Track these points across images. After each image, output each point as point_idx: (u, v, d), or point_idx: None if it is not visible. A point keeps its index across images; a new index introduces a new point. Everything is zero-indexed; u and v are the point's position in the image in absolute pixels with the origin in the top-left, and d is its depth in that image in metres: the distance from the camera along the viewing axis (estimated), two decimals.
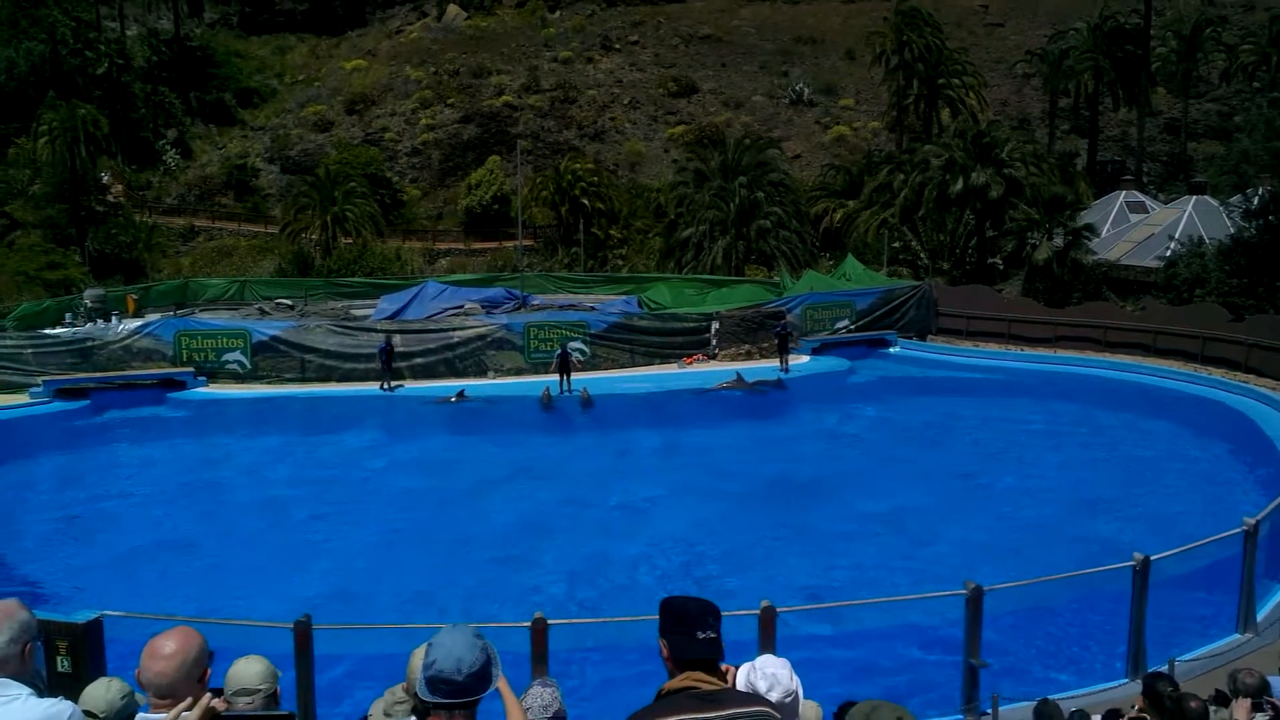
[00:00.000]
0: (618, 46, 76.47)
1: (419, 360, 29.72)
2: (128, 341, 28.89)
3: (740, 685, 3.75)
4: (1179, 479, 20.81)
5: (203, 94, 70.62)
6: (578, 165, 53.44)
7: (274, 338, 29.51)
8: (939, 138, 49.05)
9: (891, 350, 33.34)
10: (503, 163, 60.18)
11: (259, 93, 74.38)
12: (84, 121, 52.51)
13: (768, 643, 8.62)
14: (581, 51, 75.44)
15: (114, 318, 31.90)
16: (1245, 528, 11.23)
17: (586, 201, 50.91)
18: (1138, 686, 7.50)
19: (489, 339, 30.40)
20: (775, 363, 30.13)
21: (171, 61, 70.89)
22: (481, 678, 3.25)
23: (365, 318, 33.11)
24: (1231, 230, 34.11)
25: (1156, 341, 29.97)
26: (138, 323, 30.47)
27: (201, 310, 35.88)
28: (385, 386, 28.31)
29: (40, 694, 3.48)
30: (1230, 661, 9.55)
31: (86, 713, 3.56)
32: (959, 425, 25.77)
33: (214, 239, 59.42)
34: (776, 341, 29.97)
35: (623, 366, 30.75)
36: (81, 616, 8.48)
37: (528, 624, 8.66)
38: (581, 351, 30.30)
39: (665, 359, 31.22)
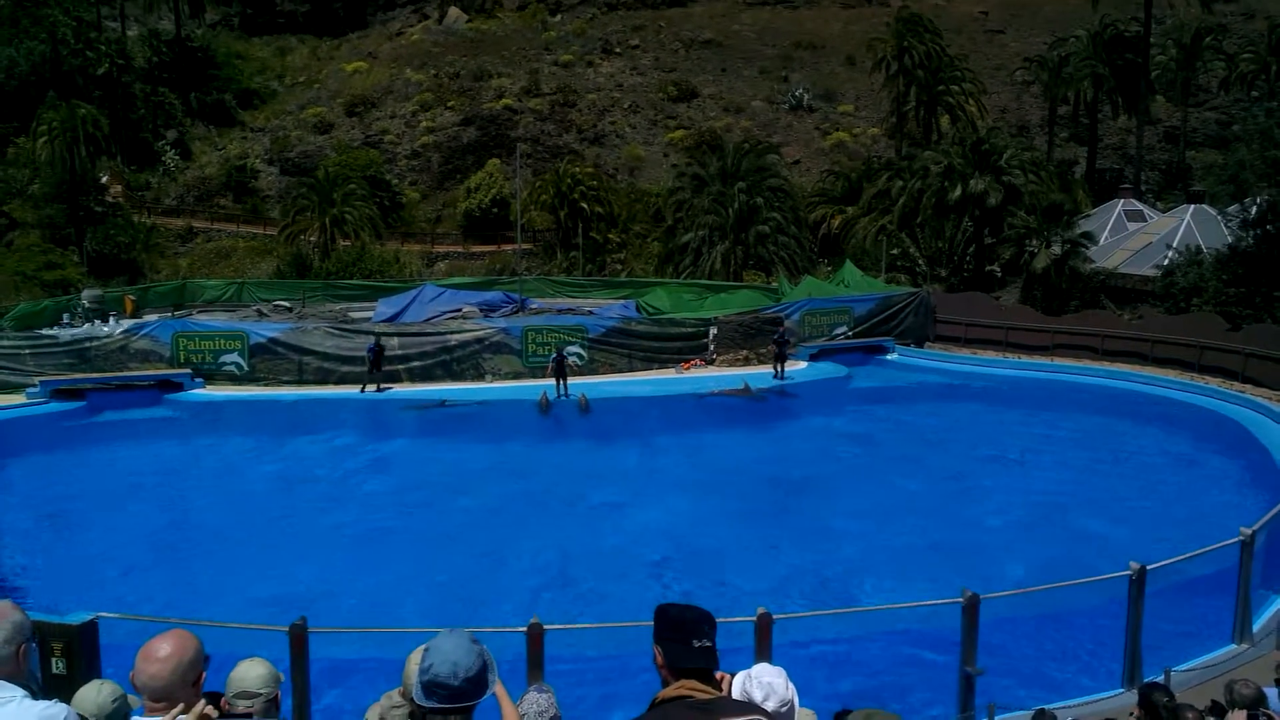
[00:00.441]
0: (618, 50, 76.56)
1: (416, 363, 29.70)
2: (124, 342, 28.87)
3: (735, 694, 3.74)
4: (1175, 488, 20.83)
5: (203, 95, 70.65)
6: (577, 169, 53.53)
7: (272, 340, 29.49)
8: (938, 144, 49.14)
9: (889, 357, 33.37)
10: (502, 166, 60.22)
11: (259, 94, 74.44)
12: (84, 121, 52.52)
13: (764, 650, 8.60)
14: (582, 55, 75.54)
15: (111, 318, 31.88)
16: (1242, 538, 11.22)
17: (585, 205, 50.97)
18: (1134, 696, 7.50)
19: (487, 342, 30.39)
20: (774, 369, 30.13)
21: (172, 62, 70.94)
22: (478, 683, 3.26)
23: (364, 320, 33.09)
24: (1229, 239, 34.18)
25: (1154, 350, 30.01)
26: (130, 323, 30.44)
27: (199, 312, 35.86)
28: (374, 388, 28.21)
29: (35, 696, 3.47)
30: (1226, 672, 9.54)
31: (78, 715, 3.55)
32: (955, 432, 25.77)
33: (212, 240, 59.42)
34: (774, 349, 29.97)
35: (620, 371, 30.75)
36: (76, 618, 8.46)
37: (523, 629, 8.64)
38: (579, 356, 30.29)
39: (663, 364, 31.24)
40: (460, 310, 34.23)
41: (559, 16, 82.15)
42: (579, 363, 29.99)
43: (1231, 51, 60.71)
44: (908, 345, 33.95)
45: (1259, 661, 10.42)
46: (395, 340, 29.76)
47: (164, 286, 40.06)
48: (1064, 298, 37.15)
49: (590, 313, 34.49)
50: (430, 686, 3.22)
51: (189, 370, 28.65)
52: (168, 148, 66.14)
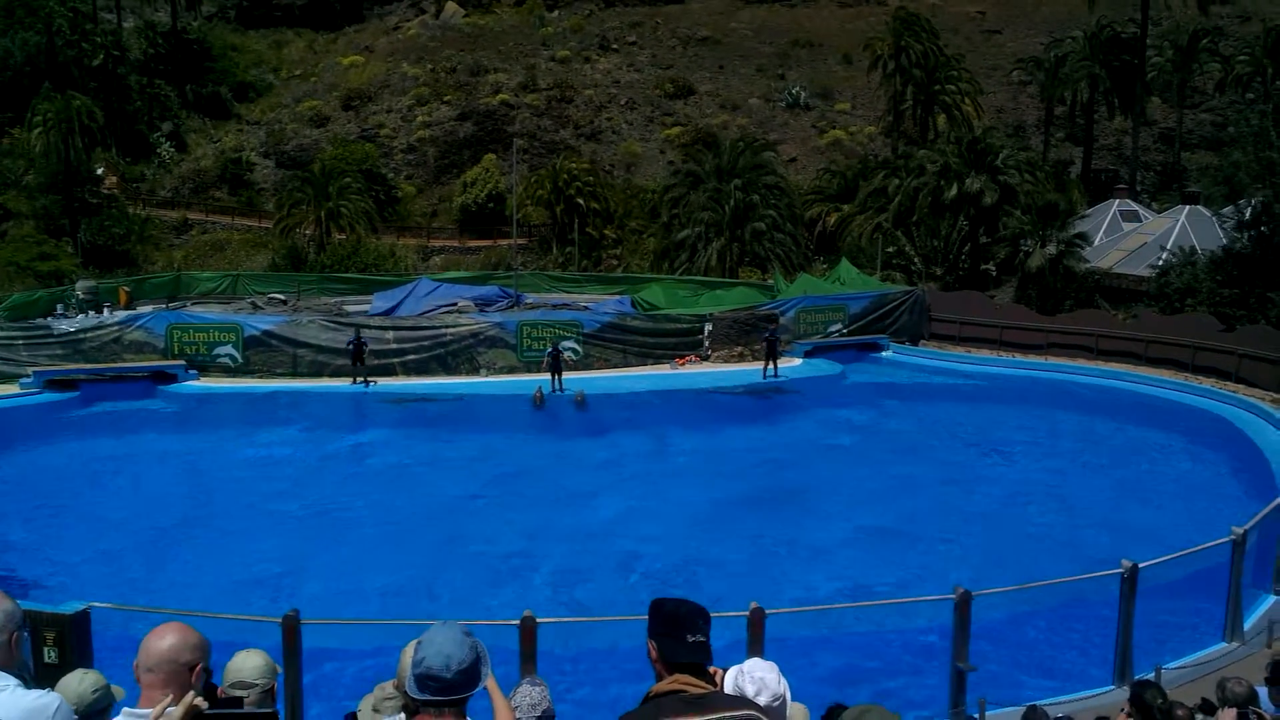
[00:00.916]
0: (615, 47, 76.46)
1: (411, 357, 29.67)
2: (119, 334, 28.80)
3: (728, 688, 3.74)
4: (1168, 487, 20.92)
5: (198, 87, 70.37)
6: (573, 165, 53.44)
7: (266, 332, 29.44)
8: (934, 143, 49.12)
9: (883, 355, 33.38)
10: (498, 161, 60.14)
11: (255, 87, 74.17)
12: (79, 113, 52.26)
13: (756, 645, 8.61)
14: (579, 51, 75.40)
15: (105, 309, 31.79)
16: (1233, 537, 11.27)
17: (581, 201, 50.91)
18: (1125, 693, 7.53)
19: (482, 337, 30.37)
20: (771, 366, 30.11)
21: (168, 54, 70.67)
22: (471, 676, 3.26)
23: (359, 314, 33.04)
24: (1223, 241, 34.25)
25: (1148, 350, 30.08)
26: (124, 314, 30.36)
27: (194, 304, 35.78)
28: (361, 381, 28.20)
29: (27, 685, 3.46)
30: (1217, 669, 9.58)
31: None
32: (949, 430, 25.82)
33: (207, 232, 59.20)
34: (765, 346, 29.92)
35: (615, 366, 30.75)
36: (69, 608, 8.46)
37: (516, 622, 8.64)
38: (574, 351, 30.29)
39: (658, 359, 31.24)
40: (456, 305, 34.18)
41: (556, 12, 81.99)
42: (574, 357, 29.99)
43: (1227, 54, 60.72)
44: (902, 343, 33.96)
45: (1250, 659, 10.47)
46: (390, 334, 29.73)
47: (159, 278, 39.90)
48: (1059, 297, 37.19)
49: (585, 308, 34.49)
50: (423, 679, 3.22)
51: (183, 362, 28.59)
52: (163, 140, 65.88)
